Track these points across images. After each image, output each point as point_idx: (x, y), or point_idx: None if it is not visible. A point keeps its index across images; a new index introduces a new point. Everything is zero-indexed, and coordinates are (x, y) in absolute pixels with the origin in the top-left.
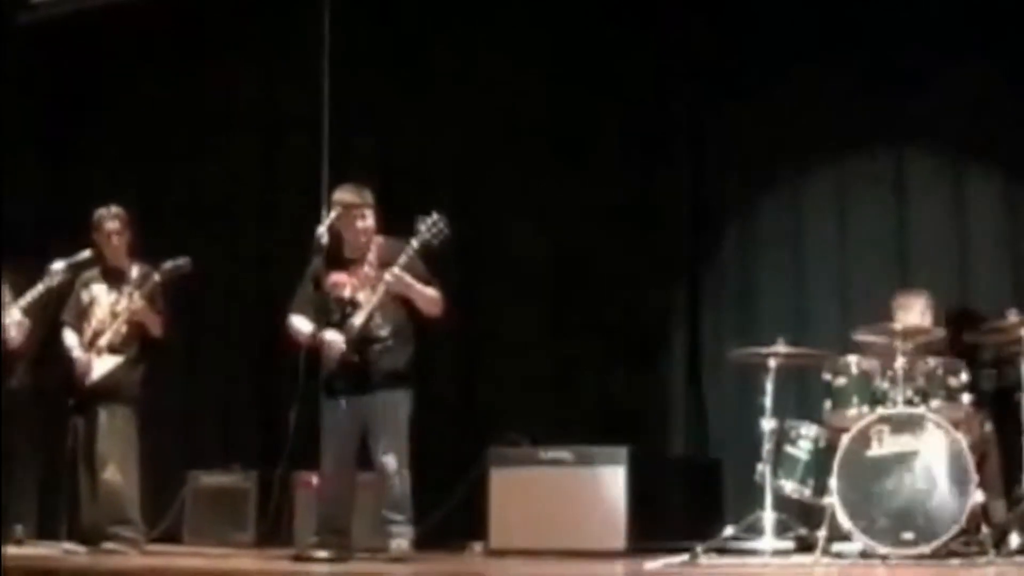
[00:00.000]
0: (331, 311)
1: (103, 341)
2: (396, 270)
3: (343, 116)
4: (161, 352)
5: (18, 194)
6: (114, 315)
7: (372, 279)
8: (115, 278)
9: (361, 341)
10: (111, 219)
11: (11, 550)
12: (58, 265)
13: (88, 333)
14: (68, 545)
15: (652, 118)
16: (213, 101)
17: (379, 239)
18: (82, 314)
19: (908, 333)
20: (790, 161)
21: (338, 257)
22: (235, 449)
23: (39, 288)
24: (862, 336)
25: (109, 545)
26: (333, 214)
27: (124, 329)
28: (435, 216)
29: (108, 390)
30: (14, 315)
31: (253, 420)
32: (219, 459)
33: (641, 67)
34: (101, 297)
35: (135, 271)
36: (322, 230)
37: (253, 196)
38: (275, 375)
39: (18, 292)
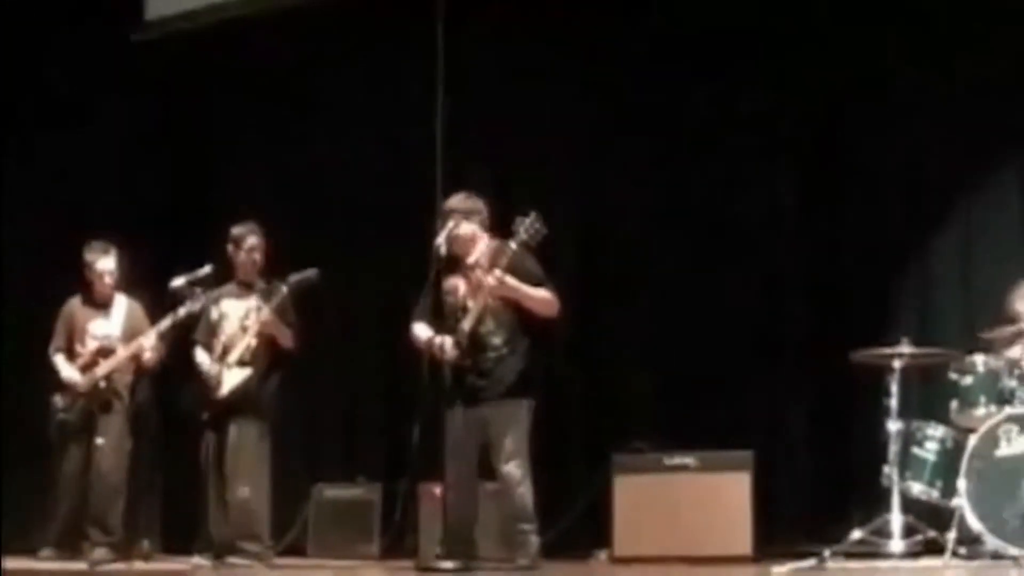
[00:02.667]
0: (446, 317)
1: (233, 355)
2: (497, 273)
3: (459, 126)
4: (284, 364)
5: (136, 213)
6: (244, 329)
7: (482, 283)
8: (244, 293)
9: (473, 348)
10: (251, 235)
11: (139, 565)
12: (178, 282)
13: (218, 348)
14: (196, 559)
15: (768, 121)
16: (327, 114)
17: (490, 242)
18: (212, 331)
19: None
20: (912, 160)
21: (458, 263)
22: (359, 462)
23: (180, 312)
24: (987, 334)
25: (236, 559)
26: (449, 224)
27: (254, 343)
28: (532, 216)
29: (240, 404)
30: (151, 339)
31: (377, 432)
32: (343, 472)
33: (757, 73)
34: (230, 312)
35: (261, 284)
36: (440, 240)
37: (375, 207)
38: (399, 386)
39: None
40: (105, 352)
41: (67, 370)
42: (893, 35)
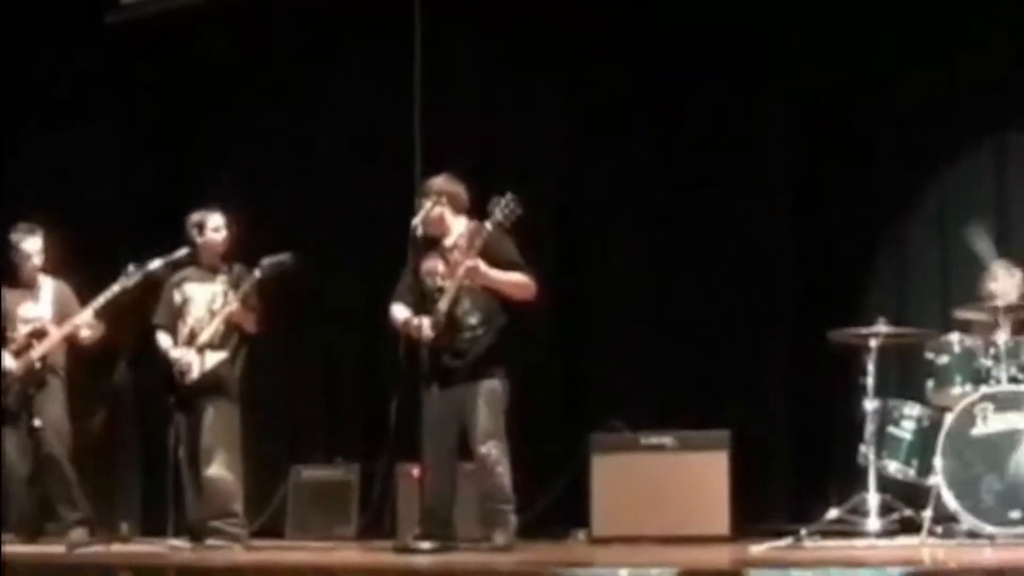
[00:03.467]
0: (424, 298)
1: (202, 339)
2: (470, 260)
3: (437, 107)
4: (262, 347)
5: (105, 195)
6: (211, 313)
7: (458, 264)
8: (209, 277)
9: (449, 328)
10: (214, 217)
11: (118, 547)
12: (155, 264)
13: (184, 332)
14: (174, 541)
15: (758, 102)
16: (303, 97)
17: (469, 224)
18: (176, 314)
19: (1010, 309)
20: (891, 140)
21: (436, 244)
22: (337, 443)
23: (114, 289)
24: (963, 314)
25: (213, 540)
26: (428, 205)
27: (222, 326)
28: (508, 196)
29: (211, 386)
30: (87, 316)
31: (355, 413)
32: (321, 453)
33: (753, 58)
34: (196, 296)
35: (230, 269)
36: (417, 221)
37: (352, 188)
38: (376, 367)
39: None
40: (38, 334)
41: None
42: (863, 26)
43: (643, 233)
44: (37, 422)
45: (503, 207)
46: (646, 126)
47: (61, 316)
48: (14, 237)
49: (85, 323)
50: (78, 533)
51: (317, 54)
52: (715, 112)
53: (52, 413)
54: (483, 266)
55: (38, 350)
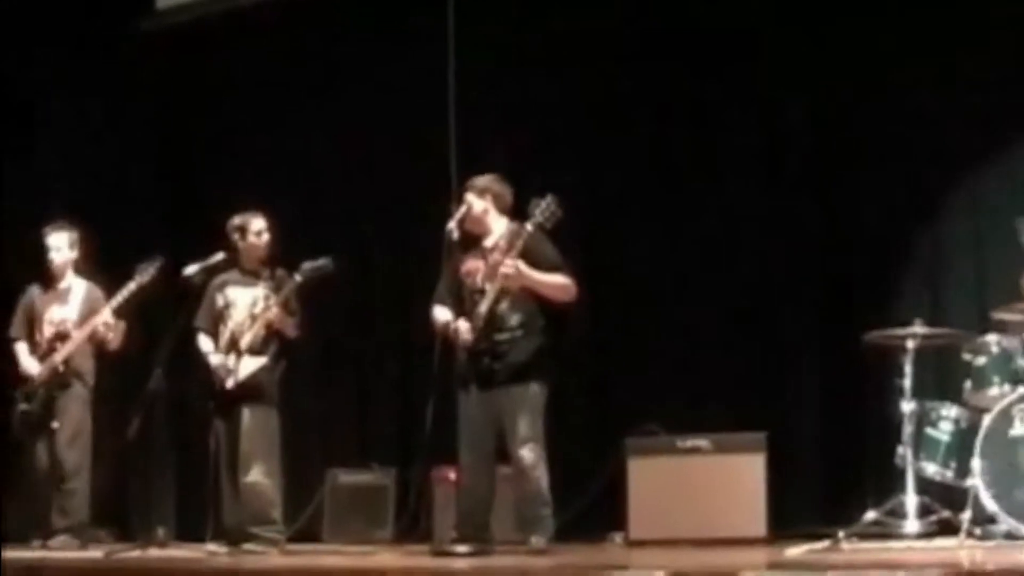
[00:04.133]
0: (464, 300)
1: (243, 344)
2: (509, 261)
3: (470, 111)
4: (297, 351)
5: (140, 201)
6: (252, 318)
7: (499, 265)
8: (251, 281)
9: (488, 331)
10: (256, 219)
11: (155, 552)
12: (191, 269)
13: (225, 336)
14: (211, 546)
15: (787, 99)
16: (339, 101)
17: (510, 225)
18: (217, 318)
19: None
20: (922, 140)
21: (476, 245)
22: (373, 447)
23: (130, 287)
24: (1000, 314)
25: (250, 546)
26: (463, 207)
27: (262, 331)
28: (548, 198)
29: (250, 392)
30: (106, 315)
31: (391, 417)
32: (357, 457)
33: (780, 55)
34: (238, 300)
35: (271, 273)
36: (452, 225)
37: (386, 192)
38: (412, 371)
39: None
40: (61, 337)
41: (25, 360)
42: (894, 22)
43: (675, 233)
44: (55, 424)
45: (544, 209)
46: (674, 126)
47: (87, 318)
48: (45, 238)
49: (104, 323)
50: (61, 540)
51: (351, 55)
52: (744, 110)
53: (72, 416)
54: (524, 267)
55: (60, 353)
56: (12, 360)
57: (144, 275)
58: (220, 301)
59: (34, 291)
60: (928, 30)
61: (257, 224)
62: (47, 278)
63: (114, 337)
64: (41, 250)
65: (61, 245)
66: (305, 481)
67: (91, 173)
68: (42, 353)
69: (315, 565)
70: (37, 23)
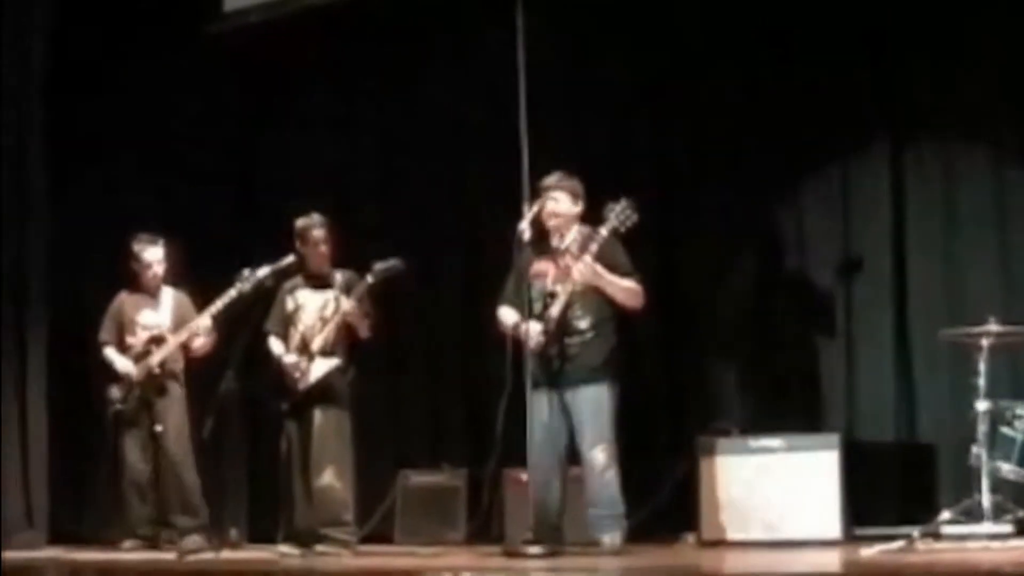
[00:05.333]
0: (533, 302)
1: (315, 346)
2: (587, 259)
3: (543, 109)
4: (368, 353)
5: (205, 205)
6: (323, 320)
7: (571, 269)
8: (320, 284)
9: (560, 333)
10: (316, 227)
11: (228, 554)
12: (262, 271)
13: (295, 339)
14: (283, 547)
15: (848, 102)
16: (407, 100)
17: (582, 228)
18: (287, 321)
19: None
20: (987, 136)
21: (545, 246)
22: (444, 448)
23: (230, 294)
24: None
25: (322, 547)
26: (535, 207)
27: (333, 333)
28: (624, 202)
29: (322, 394)
30: (205, 322)
31: (462, 418)
32: (428, 458)
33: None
34: (308, 303)
35: (339, 275)
36: (524, 225)
37: (453, 192)
38: (483, 372)
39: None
40: (157, 340)
41: (121, 361)
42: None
43: (748, 230)
44: (158, 428)
45: (619, 213)
46: (747, 125)
47: (180, 324)
48: (136, 247)
49: (202, 329)
50: (193, 540)
51: (420, 54)
52: (819, 102)
53: (174, 419)
54: (598, 267)
55: (156, 356)
56: (104, 364)
57: (245, 284)
58: (290, 304)
59: (122, 297)
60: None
61: (315, 234)
62: (136, 286)
63: (206, 342)
64: (127, 258)
65: (156, 259)
66: (377, 482)
67: (163, 178)
68: (136, 355)
69: (387, 566)
70: (105, 28)
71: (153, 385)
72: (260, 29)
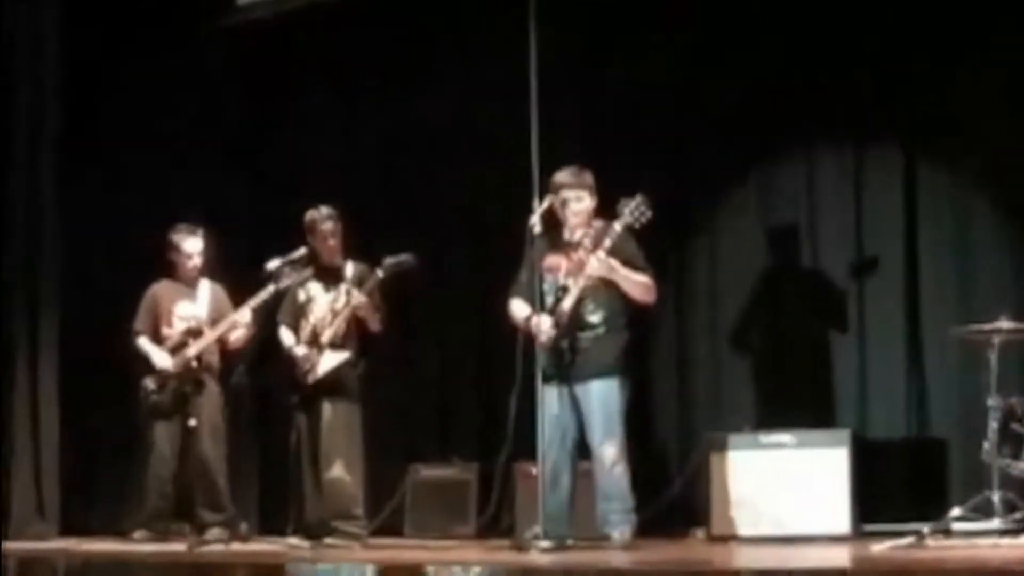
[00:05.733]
0: (545, 296)
1: (325, 338)
2: (600, 254)
3: (551, 103)
4: (379, 346)
5: (222, 199)
6: (334, 313)
7: (584, 263)
8: (331, 277)
9: (572, 327)
10: (325, 220)
11: (238, 547)
12: (273, 264)
13: (306, 331)
14: (293, 540)
15: (859, 99)
16: (417, 95)
17: (596, 223)
18: (298, 313)
19: None
20: (1006, 134)
21: (557, 240)
22: (454, 441)
23: (269, 289)
24: None
25: (332, 540)
26: (547, 201)
27: (344, 326)
28: (638, 198)
29: (332, 386)
30: (246, 315)
31: (472, 411)
32: (438, 452)
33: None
34: (319, 296)
35: (351, 268)
36: (535, 219)
37: (463, 185)
38: (493, 365)
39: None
40: (194, 333)
41: (157, 353)
42: None
43: (759, 226)
44: (192, 422)
45: (633, 208)
46: (754, 124)
47: (216, 317)
48: (175, 238)
49: (242, 322)
50: (215, 532)
51: (431, 49)
52: (828, 96)
53: (209, 414)
54: (613, 261)
55: (193, 348)
56: (137, 354)
57: (286, 279)
58: (302, 296)
59: (159, 286)
60: None
61: (325, 227)
62: (174, 277)
63: (244, 335)
64: (164, 246)
65: (196, 250)
66: (387, 476)
67: (172, 172)
68: (172, 346)
69: (398, 559)
70: (117, 23)
71: (189, 378)
72: (270, 23)
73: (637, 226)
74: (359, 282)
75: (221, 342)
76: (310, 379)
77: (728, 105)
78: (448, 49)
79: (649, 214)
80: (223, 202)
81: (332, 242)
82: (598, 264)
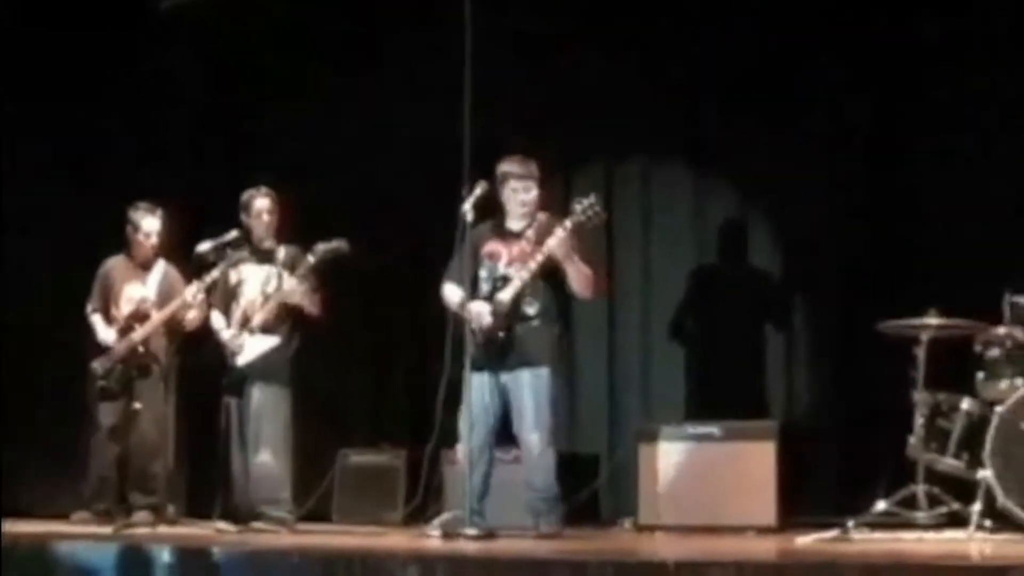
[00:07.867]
0: (482, 282)
1: (256, 322)
2: (561, 233)
3: (485, 89)
4: (310, 331)
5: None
6: (265, 296)
7: (527, 255)
8: (263, 259)
9: (509, 317)
10: (261, 197)
11: (164, 529)
12: (204, 246)
13: (237, 314)
14: (220, 524)
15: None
16: (356, 83)
17: (541, 216)
18: (229, 295)
19: None
20: (943, 130)
21: (498, 228)
22: (385, 427)
23: (215, 273)
24: (1017, 298)
25: (260, 524)
26: (479, 188)
27: (275, 309)
28: (592, 198)
29: (262, 370)
30: (199, 297)
31: (403, 398)
32: (368, 438)
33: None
34: (251, 277)
35: (283, 252)
36: (466, 207)
37: (402, 172)
38: (424, 352)
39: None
40: (140, 316)
41: (103, 331)
42: None
43: (693, 222)
44: (138, 405)
45: (585, 208)
46: (698, 105)
47: (165, 299)
48: (134, 215)
49: (194, 304)
50: (141, 515)
51: (369, 36)
52: (769, 98)
53: (152, 398)
54: (568, 245)
55: (140, 332)
56: (87, 331)
57: (231, 260)
58: (233, 277)
59: (112, 263)
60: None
61: (262, 200)
62: (130, 255)
63: (196, 318)
64: (121, 224)
65: (154, 229)
66: (316, 461)
67: (117, 152)
68: (119, 328)
69: (324, 545)
70: (58, 6)
71: (135, 362)
72: (211, 6)
73: (589, 226)
74: (291, 266)
75: (170, 324)
76: (239, 363)
77: (665, 93)
78: (388, 35)
79: (603, 217)
80: (169, 180)
81: (266, 219)
82: (556, 244)
